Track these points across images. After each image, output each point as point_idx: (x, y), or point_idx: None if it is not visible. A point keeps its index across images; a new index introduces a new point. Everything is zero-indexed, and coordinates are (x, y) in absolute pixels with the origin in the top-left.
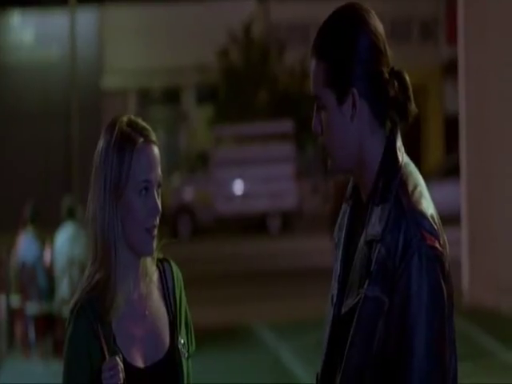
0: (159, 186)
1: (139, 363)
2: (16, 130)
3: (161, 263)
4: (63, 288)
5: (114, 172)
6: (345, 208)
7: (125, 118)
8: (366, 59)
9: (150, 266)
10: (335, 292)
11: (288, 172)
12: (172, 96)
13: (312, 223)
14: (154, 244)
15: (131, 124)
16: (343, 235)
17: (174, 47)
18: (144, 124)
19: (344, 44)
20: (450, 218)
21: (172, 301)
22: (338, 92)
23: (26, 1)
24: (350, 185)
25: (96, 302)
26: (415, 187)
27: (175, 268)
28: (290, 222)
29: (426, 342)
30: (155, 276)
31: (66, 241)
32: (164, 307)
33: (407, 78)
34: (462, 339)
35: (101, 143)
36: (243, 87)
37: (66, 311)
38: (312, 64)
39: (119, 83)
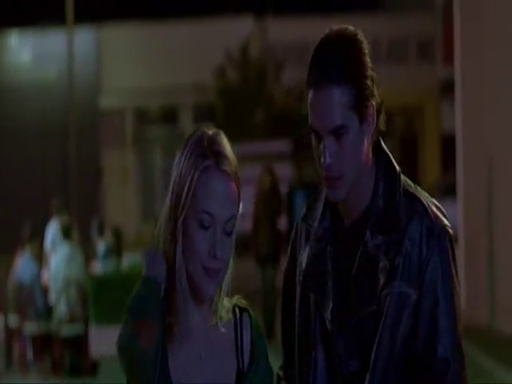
0: (230, 229)
1: None
2: (13, 151)
3: (238, 310)
4: (61, 308)
5: (178, 186)
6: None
7: (209, 132)
8: (371, 69)
9: (222, 305)
10: (328, 310)
11: (285, 191)
12: (169, 116)
13: None
14: (214, 287)
15: (209, 141)
16: (329, 263)
17: (172, 67)
18: (223, 148)
19: (359, 62)
20: None
21: (245, 353)
22: (361, 111)
23: (24, 21)
24: (320, 211)
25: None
26: (416, 188)
27: (255, 323)
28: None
29: (452, 316)
30: (227, 319)
31: (62, 261)
32: (233, 356)
33: None
34: None
35: (178, 153)
36: (240, 107)
37: (64, 331)
38: (331, 93)
39: (117, 103)
